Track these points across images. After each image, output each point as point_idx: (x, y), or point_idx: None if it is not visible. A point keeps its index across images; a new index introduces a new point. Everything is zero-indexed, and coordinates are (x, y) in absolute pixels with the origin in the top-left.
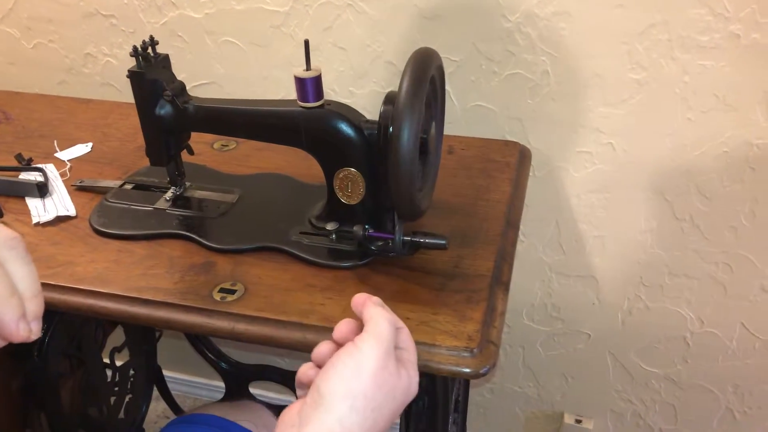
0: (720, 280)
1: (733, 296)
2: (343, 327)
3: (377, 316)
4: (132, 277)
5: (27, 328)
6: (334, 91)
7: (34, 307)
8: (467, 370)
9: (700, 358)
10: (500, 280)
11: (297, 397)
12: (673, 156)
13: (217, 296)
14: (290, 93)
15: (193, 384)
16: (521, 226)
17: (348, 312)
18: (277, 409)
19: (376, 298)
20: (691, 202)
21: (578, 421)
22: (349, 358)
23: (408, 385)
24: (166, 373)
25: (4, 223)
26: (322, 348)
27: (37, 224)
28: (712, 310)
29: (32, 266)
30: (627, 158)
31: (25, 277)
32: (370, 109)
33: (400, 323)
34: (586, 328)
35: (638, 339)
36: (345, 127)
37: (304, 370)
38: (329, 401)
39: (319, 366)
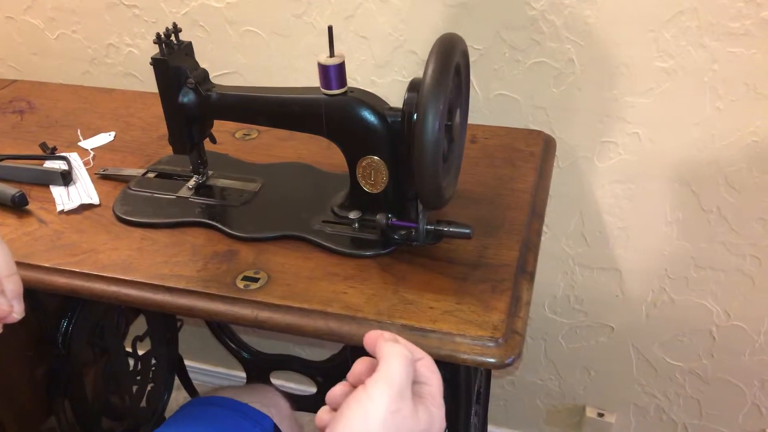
0: (748, 273)
1: (761, 289)
2: (357, 367)
3: (389, 354)
4: (155, 264)
5: (8, 303)
6: (355, 80)
7: (12, 286)
8: (492, 360)
9: (726, 352)
10: (525, 269)
11: None
12: (700, 146)
13: (241, 284)
14: (312, 83)
15: (214, 374)
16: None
17: (371, 300)
18: (296, 399)
19: (388, 334)
20: (718, 193)
21: (600, 415)
22: (357, 405)
23: (428, 424)
24: (187, 362)
25: (29, 210)
26: (336, 390)
27: (62, 212)
28: (739, 303)
29: (5, 246)
30: (653, 148)
31: None
32: (392, 98)
33: (420, 354)
34: (609, 320)
35: (662, 332)
36: (368, 115)
37: (320, 415)
38: None
39: (334, 409)
